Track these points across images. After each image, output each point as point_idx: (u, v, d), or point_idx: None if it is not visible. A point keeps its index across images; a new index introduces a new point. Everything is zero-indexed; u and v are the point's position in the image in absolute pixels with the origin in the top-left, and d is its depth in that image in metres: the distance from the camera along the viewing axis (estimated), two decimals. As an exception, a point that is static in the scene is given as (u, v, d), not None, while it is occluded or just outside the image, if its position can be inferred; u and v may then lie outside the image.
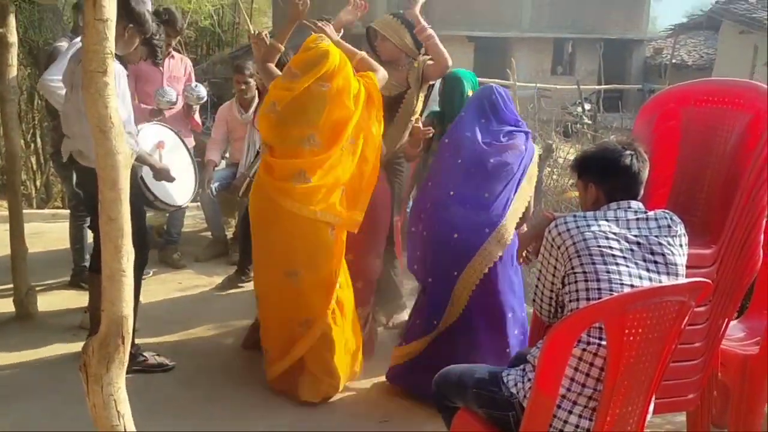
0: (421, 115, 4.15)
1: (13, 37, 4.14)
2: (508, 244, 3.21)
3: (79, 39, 3.61)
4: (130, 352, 2.27)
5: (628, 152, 2.41)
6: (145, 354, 3.64)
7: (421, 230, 3.38)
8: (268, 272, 3.40)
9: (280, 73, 3.54)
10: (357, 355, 3.55)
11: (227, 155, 5.71)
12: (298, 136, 3.26)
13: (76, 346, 3.62)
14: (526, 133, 3.43)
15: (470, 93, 3.74)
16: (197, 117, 5.30)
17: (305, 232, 3.27)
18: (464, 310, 3.25)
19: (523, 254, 2.83)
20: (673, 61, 17.84)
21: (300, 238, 3.27)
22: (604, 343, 2.12)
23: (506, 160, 3.29)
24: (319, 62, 3.26)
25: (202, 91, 5.13)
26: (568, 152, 7.22)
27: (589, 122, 13.22)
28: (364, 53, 3.58)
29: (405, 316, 4.22)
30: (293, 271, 3.28)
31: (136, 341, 3.60)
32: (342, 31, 4.12)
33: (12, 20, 4.11)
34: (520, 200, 3.31)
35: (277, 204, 3.24)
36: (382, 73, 3.55)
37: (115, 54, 2.04)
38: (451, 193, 3.29)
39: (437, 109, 4.65)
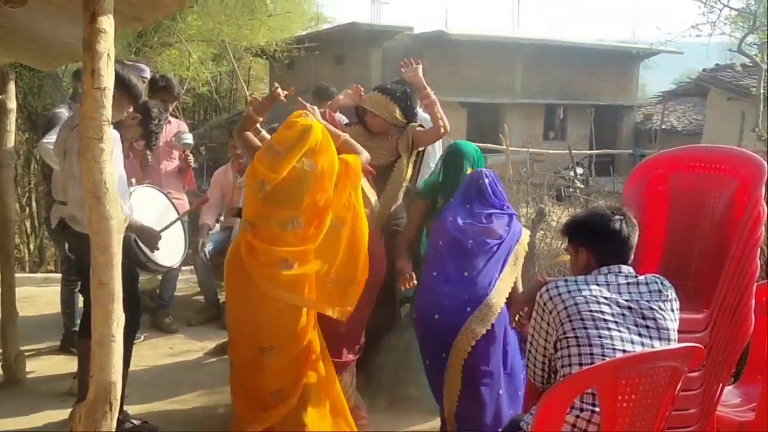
0: (413, 181, 4.22)
1: (12, 104, 4.20)
2: (492, 321, 3.20)
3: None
4: (118, 419, 2.24)
5: (617, 217, 2.44)
6: (133, 421, 3.57)
7: (414, 315, 3.47)
8: (242, 345, 3.37)
9: (258, 143, 3.56)
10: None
11: (222, 219, 5.73)
12: (282, 219, 3.23)
13: (64, 413, 3.56)
14: (510, 216, 3.45)
15: (470, 170, 3.76)
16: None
17: (281, 312, 3.25)
18: (461, 390, 3.24)
19: (516, 318, 2.83)
20: (663, 126, 18.11)
21: (276, 317, 3.25)
22: (597, 409, 2.10)
23: (484, 239, 3.32)
24: (301, 139, 3.25)
25: (189, 136, 5.20)
26: (560, 216, 7.26)
27: (582, 186, 13.34)
28: (347, 135, 3.60)
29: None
30: (269, 346, 3.26)
31: (125, 407, 3.54)
32: (338, 111, 4.25)
33: (12, 87, 4.18)
34: (506, 280, 3.32)
35: (255, 284, 3.21)
36: (365, 156, 3.55)
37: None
38: (434, 273, 3.35)
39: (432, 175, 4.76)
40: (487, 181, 3.47)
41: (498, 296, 3.25)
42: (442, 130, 4.05)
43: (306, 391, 3.29)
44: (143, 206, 3.98)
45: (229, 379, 3.46)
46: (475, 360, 3.21)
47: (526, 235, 3.47)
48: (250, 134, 3.64)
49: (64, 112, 4.45)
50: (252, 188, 3.31)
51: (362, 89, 4.23)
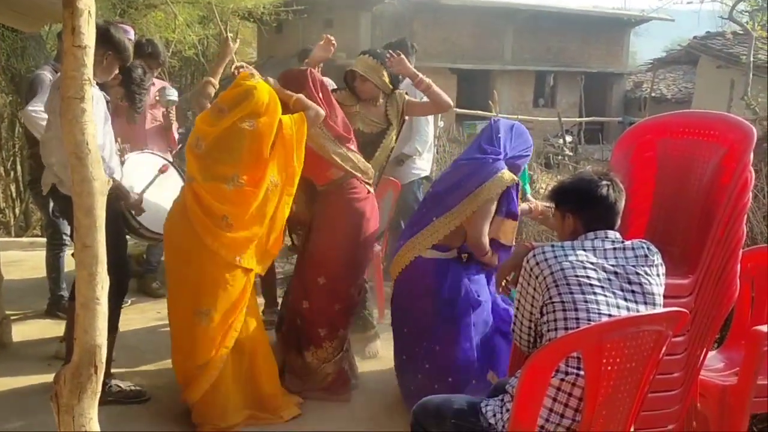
0: (393, 148, 4.20)
1: (-6, 65, 4.13)
2: (410, 258, 3.45)
3: None
4: (105, 382, 2.24)
5: (604, 182, 2.44)
6: (120, 384, 3.58)
7: None
8: (179, 308, 3.36)
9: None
10: (269, 397, 3.46)
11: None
12: (221, 175, 3.24)
13: (51, 377, 3.53)
14: (483, 162, 3.36)
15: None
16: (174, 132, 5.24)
17: (222, 272, 3.25)
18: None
19: (502, 284, 2.84)
20: (653, 94, 18.14)
21: (216, 277, 3.25)
22: (582, 373, 2.12)
23: (443, 187, 3.46)
24: (245, 99, 3.23)
25: (173, 93, 5.12)
26: (549, 183, 7.27)
27: (571, 154, 13.36)
28: (301, 95, 3.52)
29: (378, 345, 4.27)
30: (206, 309, 3.25)
31: (113, 371, 3.54)
32: (321, 65, 4.21)
33: (-6, 47, 4.11)
34: (446, 221, 3.36)
35: (200, 239, 3.22)
36: (314, 111, 3.48)
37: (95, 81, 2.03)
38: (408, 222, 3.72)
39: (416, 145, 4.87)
40: (486, 131, 3.49)
41: (426, 236, 3.41)
42: (450, 104, 4.11)
43: (229, 361, 3.31)
44: (139, 172, 3.93)
45: (171, 348, 3.45)
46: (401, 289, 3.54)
47: (500, 179, 3.32)
48: (205, 103, 3.65)
49: (46, 74, 4.37)
50: (190, 145, 3.33)
51: (333, 39, 4.15)
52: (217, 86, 3.73)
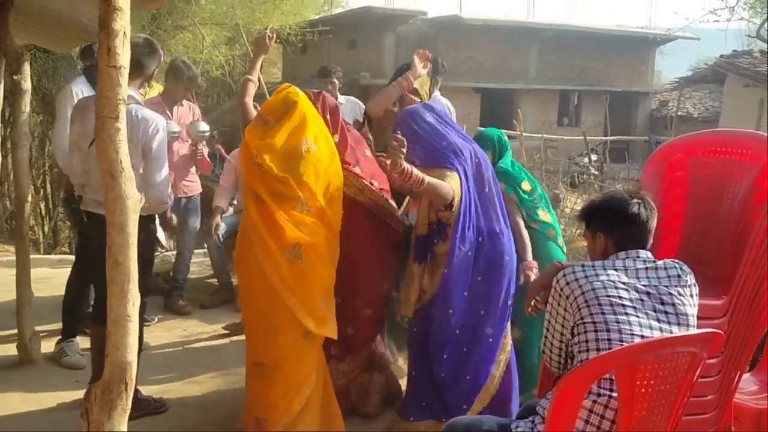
0: None
1: (27, 84, 4.21)
2: None
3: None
4: (132, 399, 2.24)
5: (635, 201, 2.40)
6: (146, 400, 3.59)
7: None
8: (247, 351, 3.18)
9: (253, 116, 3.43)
10: None
11: (235, 202, 5.73)
12: (291, 196, 3.01)
13: (79, 393, 3.57)
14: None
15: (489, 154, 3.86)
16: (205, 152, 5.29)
17: (282, 323, 3.00)
18: None
19: (532, 304, 2.81)
20: (679, 113, 17.97)
21: (276, 327, 3.00)
22: (615, 394, 2.08)
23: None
24: (289, 110, 3.11)
25: (203, 125, 5.15)
26: (575, 202, 7.23)
27: (596, 173, 13.29)
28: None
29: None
30: (260, 362, 3.07)
31: (138, 387, 3.56)
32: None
33: (27, 68, 4.18)
34: None
35: (263, 273, 2.97)
36: None
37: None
38: None
39: None
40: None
41: None
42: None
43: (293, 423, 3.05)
44: None
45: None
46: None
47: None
48: (249, 104, 3.58)
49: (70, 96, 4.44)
50: (247, 161, 3.11)
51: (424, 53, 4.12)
52: (257, 84, 3.67)
